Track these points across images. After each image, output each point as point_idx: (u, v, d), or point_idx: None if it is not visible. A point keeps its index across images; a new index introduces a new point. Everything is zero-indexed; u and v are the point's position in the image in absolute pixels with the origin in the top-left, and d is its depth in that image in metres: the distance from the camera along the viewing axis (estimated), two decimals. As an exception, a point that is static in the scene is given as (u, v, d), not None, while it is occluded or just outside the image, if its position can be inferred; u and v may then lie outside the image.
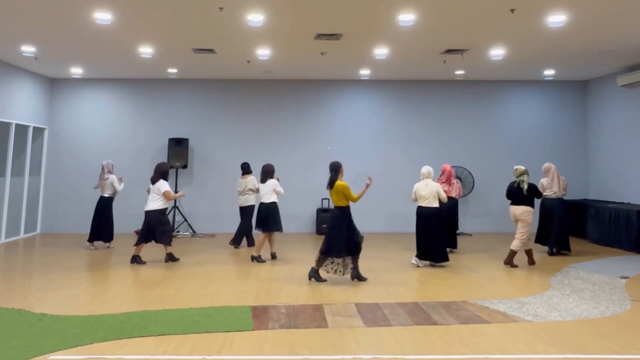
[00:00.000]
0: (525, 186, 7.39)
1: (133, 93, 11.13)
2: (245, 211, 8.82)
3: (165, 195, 7.38)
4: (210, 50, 8.37)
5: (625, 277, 6.60)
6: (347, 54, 8.65)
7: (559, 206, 8.16)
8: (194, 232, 10.57)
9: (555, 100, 11.32)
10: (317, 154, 11.09)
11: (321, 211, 10.67)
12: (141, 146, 11.02)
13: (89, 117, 11.07)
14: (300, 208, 10.88)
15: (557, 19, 6.53)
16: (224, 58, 8.97)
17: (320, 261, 6.30)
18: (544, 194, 8.14)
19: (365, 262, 7.40)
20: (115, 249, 8.62)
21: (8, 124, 9.60)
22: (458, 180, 8.50)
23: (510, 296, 5.66)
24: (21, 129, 10.08)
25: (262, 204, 7.71)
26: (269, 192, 7.71)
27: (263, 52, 8.46)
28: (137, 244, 7.41)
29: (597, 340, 4.21)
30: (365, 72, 10.35)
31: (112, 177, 8.48)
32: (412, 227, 10.61)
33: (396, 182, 10.91)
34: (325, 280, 6.33)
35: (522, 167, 7.55)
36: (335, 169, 6.38)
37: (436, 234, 7.15)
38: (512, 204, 7.51)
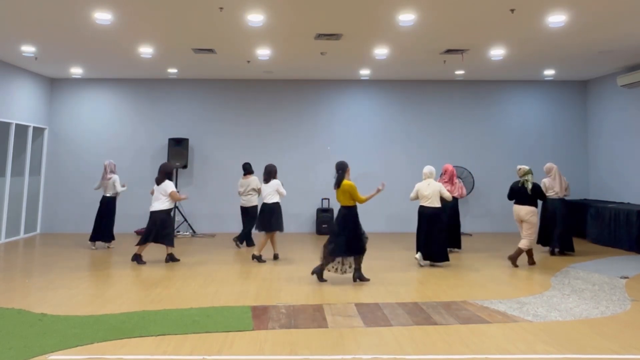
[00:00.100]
0: (530, 185, 7.38)
1: (133, 93, 11.14)
2: (249, 212, 8.81)
3: (171, 195, 7.39)
4: (210, 50, 8.37)
5: (625, 277, 6.60)
6: (347, 54, 8.65)
7: (562, 207, 8.15)
8: (194, 232, 10.57)
9: (555, 100, 11.32)
10: (317, 154, 11.09)
11: (321, 211, 10.67)
12: (141, 146, 11.02)
13: (89, 117, 11.07)
14: (300, 208, 10.88)
15: (557, 19, 6.53)
16: (224, 58, 8.97)
17: (327, 261, 6.27)
18: (546, 194, 8.12)
19: (365, 262, 7.37)
20: (116, 249, 8.62)
21: (8, 124, 9.60)
22: (460, 180, 8.49)
23: (510, 296, 5.66)
24: (21, 129, 10.08)
25: (265, 204, 7.70)
26: (272, 192, 7.71)
27: (263, 52, 8.46)
28: (141, 243, 7.39)
29: (597, 340, 4.21)
30: (365, 72, 10.35)
31: (115, 177, 8.49)
32: (412, 227, 10.61)
33: (396, 182, 10.90)
34: (326, 281, 6.33)
35: (526, 167, 7.54)
36: (342, 169, 6.35)
37: (438, 234, 7.16)
38: (516, 203, 7.49)
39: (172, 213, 7.62)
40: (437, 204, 7.17)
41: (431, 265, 7.33)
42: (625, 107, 9.99)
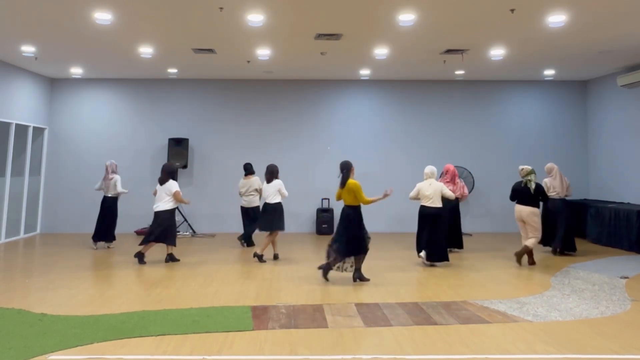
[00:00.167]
0: (533, 185, 7.37)
1: (133, 93, 11.14)
2: (251, 212, 8.82)
3: (175, 195, 7.38)
4: (210, 50, 8.37)
5: (625, 277, 6.60)
6: (347, 54, 8.65)
7: (563, 207, 8.15)
8: (194, 232, 10.57)
9: (555, 100, 11.32)
10: (317, 154, 11.09)
11: (321, 211, 10.67)
12: (141, 146, 11.02)
13: (89, 117, 11.07)
14: (300, 208, 10.88)
15: (557, 19, 6.53)
16: (224, 58, 8.97)
17: (336, 260, 6.25)
18: (548, 194, 8.10)
19: (365, 262, 7.37)
20: (116, 249, 8.62)
21: (8, 124, 9.60)
22: (462, 180, 8.49)
23: (510, 296, 5.66)
24: (21, 129, 10.08)
25: (267, 205, 7.70)
26: (274, 192, 7.71)
27: (263, 52, 8.46)
28: (145, 242, 7.38)
29: (597, 340, 4.21)
30: (365, 72, 10.35)
31: (117, 177, 8.50)
32: (412, 227, 10.63)
33: (396, 182, 10.90)
34: (328, 280, 6.32)
35: (529, 167, 7.52)
36: (347, 168, 6.33)
37: (439, 234, 7.16)
38: (519, 203, 7.46)
39: (175, 213, 7.62)
40: (439, 204, 7.17)
41: (431, 265, 7.33)
42: (625, 107, 9.99)
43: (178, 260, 7.60)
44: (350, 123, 11.20)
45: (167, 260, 7.49)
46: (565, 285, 6.19)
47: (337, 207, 10.77)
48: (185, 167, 10.58)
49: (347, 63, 9.42)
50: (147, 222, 10.70)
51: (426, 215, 7.21)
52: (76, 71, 10.23)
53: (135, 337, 4.22)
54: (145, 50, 8.35)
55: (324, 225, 10.60)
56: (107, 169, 8.53)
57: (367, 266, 7.12)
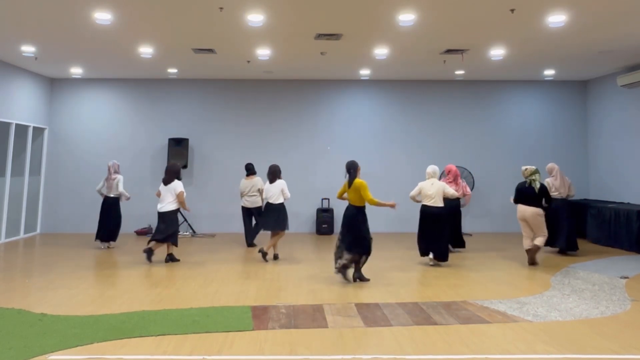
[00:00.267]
0: (538, 185, 7.35)
1: (133, 93, 11.13)
2: (254, 212, 8.84)
3: (179, 195, 7.37)
4: (210, 50, 8.37)
5: (625, 277, 6.60)
6: (347, 54, 8.65)
7: (565, 206, 8.16)
8: (194, 232, 10.57)
9: (555, 100, 11.32)
10: (317, 154, 11.10)
11: (321, 211, 10.67)
12: (141, 146, 11.02)
13: (89, 117, 11.07)
14: (300, 208, 10.88)
15: (557, 19, 6.53)
16: (224, 58, 8.97)
17: (350, 261, 6.23)
18: (550, 194, 8.10)
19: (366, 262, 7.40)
20: (116, 250, 8.62)
21: (8, 124, 9.60)
22: (464, 180, 8.49)
23: (510, 296, 5.66)
24: (21, 129, 10.08)
25: (270, 205, 7.70)
26: (278, 193, 7.71)
27: (263, 52, 8.46)
28: (157, 241, 7.36)
29: (597, 340, 4.21)
30: (365, 72, 10.35)
31: (119, 177, 8.51)
32: (412, 227, 10.65)
33: (396, 182, 10.91)
34: (352, 281, 6.30)
35: (533, 167, 7.50)
36: (354, 168, 6.32)
37: (441, 233, 7.17)
38: (522, 203, 7.44)
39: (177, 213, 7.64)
40: (441, 204, 7.18)
41: (436, 265, 7.32)
42: (625, 107, 9.99)
43: (178, 260, 7.60)
44: (350, 123, 11.20)
45: (167, 260, 7.49)
46: (565, 285, 6.19)
47: (337, 207, 10.77)
48: (185, 167, 10.58)
49: (347, 63, 9.42)
50: (147, 222, 10.71)
51: (428, 214, 7.22)
52: (76, 71, 10.23)
53: (135, 337, 4.22)
54: (145, 50, 8.35)
55: (324, 225, 10.60)
56: (109, 169, 8.53)
57: (367, 266, 7.12)
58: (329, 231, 10.61)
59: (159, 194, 7.51)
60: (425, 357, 3.83)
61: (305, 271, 6.92)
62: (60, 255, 8.03)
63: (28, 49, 8.33)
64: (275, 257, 7.79)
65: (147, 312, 4.92)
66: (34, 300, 5.35)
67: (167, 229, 7.32)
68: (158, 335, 4.28)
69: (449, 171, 8.21)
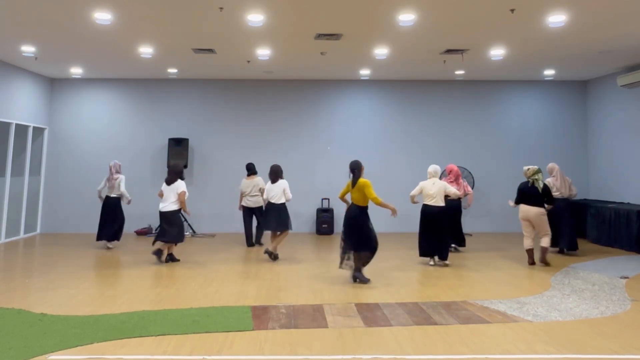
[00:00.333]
0: (541, 184, 7.35)
1: (133, 93, 11.14)
2: (257, 212, 8.86)
3: (180, 195, 7.36)
4: (210, 50, 8.37)
5: (625, 277, 6.60)
6: (347, 54, 8.65)
7: (566, 206, 8.16)
8: (194, 232, 10.57)
9: (555, 100, 11.32)
10: (317, 154, 11.09)
11: (321, 211, 10.67)
12: (141, 146, 11.02)
13: (89, 117, 11.07)
14: (300, 208, 10.88)
15: (557, 19, 6.53)
16: (224, 58, 8.97)
17: (357, 260, 6.23)
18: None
19: (365, 262, 7.41)
20: (116, 249, 8.62)
21: (8, 124, 9.60)
22: (465, 180, 8.49)
23: (510, 296, 5.66)
24: (21, 129, 10.08)
25: (273, 205, 7.70)
26: (280, 193, 7.71)
27: (263, 52, 8.46)
28: (164, 241, 7.37)
29: (597, 340, 4.21)
30: (365, 72, 10.35)
31: (121, 177, 8.52)
32: (412, 227, 10.66)
33: (396, 182, 10.91)
34: (369, 280, 6.30)
35: (535, 167, 7.50)
36: (357, 168, 6.32)
37: (442, 233, 7.17)
38: (525, 203, 7.42)
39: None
40: (442, 203, 7.20)
41: (432, 265, 7.32)
42: (625, 107, 9.99)
43: (178, 260, 7.60)
44: (350, 123, 11.20)
45: (167, 260, 7.49)
46: (565, 285, 6.19)
47: (337, 207, 10.77)
48: (185, 167, 10.58)
49: (347, 63, 9.42)
50: (146, 222, 10.72)
51: (429, 214, 7.22)
52: (76, 71, 10.23)
53: (135, 337, 4.22)
54: (145, 50, 8.35)
55: (324, 225, 10.60)
56: (110, 170, 8.53)
57: (368, 266, 7.12)
58: (329, 231, 10.61)
59: (161, 194, 7.49)
60: (425, 357, 3.83)
61: (305, 271, 6.92)
62: (60, 255, 8.03)
63: (28, 49, 8.33)
64: (276, 257, 7.79)
65: (147, 312, 4.92)
66: (34, 300, 5.35)
67: (172, 230, 7.32)
68: (158, 335, 4.28)
69: (450, 171, 8.21)
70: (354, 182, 6.28)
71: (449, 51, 8.38)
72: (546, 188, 7.38)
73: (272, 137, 11.13)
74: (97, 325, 4.52)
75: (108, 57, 8.91)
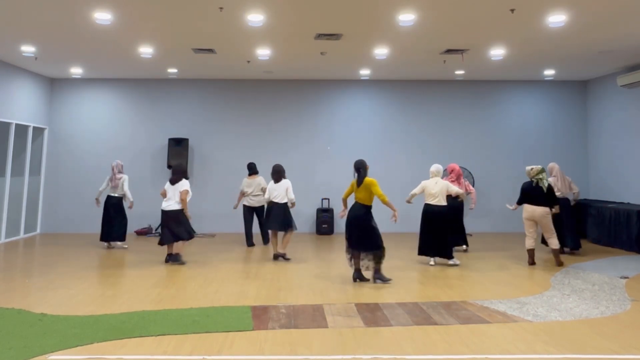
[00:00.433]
0: (546, 184, 7.34)
1: (133, 93, 11.14)
2: (259, 211, 8.87)
3: (182, 193, 7.35)
4: (210, 50, 8.37)
5: (625, 277, 6.60)
6: (347, 54, 8.65)
7: (567, 206, 8.17)
8: (194, 232, 10.54)
9: (555, 100, 11.32)
10: (317, 154, 11.09)
11: (321, 211, 10.67)
12: (141, 146, 11.02)
13: (89, 117, 11.07)
14: (300, 208, 10.87)
15: (557, 19, 6.53)
16: (224, 58, 8.97)
17: (373, 260, 6.25)
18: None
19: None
20: (116, 250, 8.62)
21: (8, 124, 9.60)
22: (466, 179, 8.49)
23: (510, 296, 5.66)
24: (21, 129, 10.08)
25: (276, 204, 7.70)
26: (283, 192, 7.72)
27: (263, 52, 8.46)
28: (163, 243, 7.37)
29: (597, 340, 4.21)
30: (365, 72, 10.35)
31: (125, 177, 8.54)
32: (412, 227, 10.66)
33: (396, 182, 10.91)
34: (368, 280, 6.31)
35: (539, 166, 7.49)
36: (363, 167, 6.33)
37: (445, 232, 7.18)
38: (530, 203, 7.40)
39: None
40: (444, 203, 7.20)
41: (433, 264, 7.32)
42: (625, 107, 9.99)
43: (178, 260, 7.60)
44: (350, 123, 11.20)
45: (167, 260, 7.49)
46: (565, 285, 6.19)
47: (337, 207, 10.77)
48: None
49: (347, 63, 9.42)
50: (146, 222, 10.72)
51: (431, 213, 7.22)
52: (76, 71, 10.23)
53: (135, 337, 4.22)
54: (145, 50, 8.35)
55: (324, 225, 10.59)
56: (113, 169, 8.54)
57: (367, 266, 7.11)
58: (329, 231, 10.61)
59: (164, 194, 7.48)
60: (425, 357, 3.83)
61: (305, 271, 6.92)
62: (60, 255, 8.03)
63: (28, 49, 8.33)
64: (275, 257, 7.79)
65: (147, 312, 4.92)
66: (34, 300, 5.35)
67: (181, 228, 7.32)
68: (158, 335, 4.28)
69: (452, 170, 8.21)
70: (360, 181, 6.27)
71: (449, 51, 8.38)
72: (551, 188, 7.38)
73: (272, 137, 11.13)
74: (97, 325, 4.52)
75: (108, 57, 8.91)
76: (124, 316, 4.79)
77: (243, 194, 8.97)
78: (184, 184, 7.41)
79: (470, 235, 10.50)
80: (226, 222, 10.78)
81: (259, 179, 8.87)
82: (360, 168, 6.33)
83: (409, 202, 7.45)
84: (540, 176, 7.37)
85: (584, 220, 9.82)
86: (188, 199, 7.40)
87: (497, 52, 8.44)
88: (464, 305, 5.25)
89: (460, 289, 5.96)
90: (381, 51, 8.37)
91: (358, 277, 6.32)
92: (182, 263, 7.38)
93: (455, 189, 7.27)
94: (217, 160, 11.05)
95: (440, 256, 7.27)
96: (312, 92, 11.23)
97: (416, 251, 8.04)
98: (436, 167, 7.40)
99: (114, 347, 4.00)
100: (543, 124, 11.27)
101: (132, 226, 10.58)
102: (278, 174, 7.82)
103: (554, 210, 7.45)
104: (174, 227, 7.32)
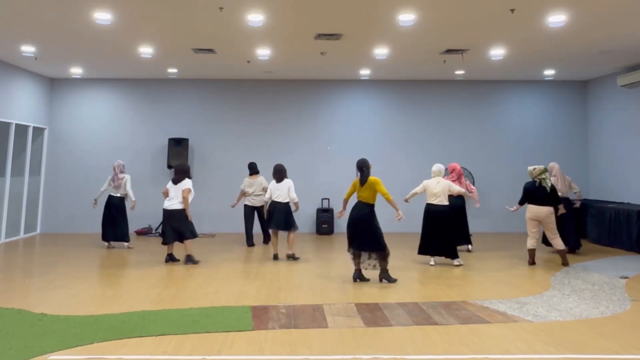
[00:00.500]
0: (549, 183, 7.34)
1: (133, 93, 11.13)
2: (259, 211, 8.89)
3: (184, 191, 7.34)
4: (210, 50, 8.36)
5: (625, 277, 6.60)
6: (347, 54, 8.65)
7: (569, 206, 8.17)
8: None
9: (555, 100, 11.32)
10: (317, 154, 11.09)
11: (321, 211, 10.67)
12: (141, 146, 11.02)
13: (89, 117, 11.07)
14: (300, 208, 10.85)
15: (557, 19, 6.53)
16: (224, 58, 8.97)
17: (379, 260, 6.26)
18: None
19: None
20: (116, 249, 8.62)
21: (8, 124, 9.60)
22: (467, 179, 8.50)
23: (510, 296, 5.66)
24: (21, 129, 10.08)
25: (278, 204, 7.70)
26: (286, 192, 7.72)
27: (263, 52, 8.46)
28: (167, 242, 7.38)
29: (597, 340, 4.21)
30: (365, 72, 10.35)
31: (127, 177, 8.55)
32: (412, 227, 10.64)
33: (396, 182, 10.89)
34: (368, 280, 6.31)
35: (541, 166, 7.48)
36: (366, 166, 6.31)
37: (447, 231, 7.18)
38: (533, 203, 7.39)
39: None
40: (446, 202, 7.21)
41: (434, 264, 7.32)
42: (625, 107, 9.99)
43: (178, 260, 7.60)
44: (350, 123, 11.20)
45: (167, 260, 7.49)
46: (565, 285, 6.19)
47: (337, 207, 10.76)
48: (185, 167, 10.59)
49: (347, 63, 9.42)
50: (146, 222, 10.71)
51: (433, 213, 7.22)
52: (76, 71, 10.23)
53: (135, 337, 4.22)
54: (145, 50, 8.35)
55: (324, 225, 10.60)
56: (115, 170, 8.54)
57: (367, 266, 7.11)
58: (329, 231, 10.61)
59: (165, 193, 7.46)
60: (425, 357, 3.83)
61: (305, 271, 6.92)
62: (60, 255, 8.03)
63: (28, 49, 8.33)
64: (275, 257, 7.79)
65: (147, 312, 4.92)
66: (34, 300, 5.35)
67: (184, 227, 7.32)
68: (158, 335, 4.28)
69: (453, 169, 8.23)
70: (363, 180, 6.27)
71: (449, 51, 8.38)
72: (554, 187, 7.39)
73: (272, 137, 11.13)
74: (97, 325, 4.52)
75: (108, 57, 8.91)
76: (124, 316, 4.79)
77: (244, 194, 8.97)
78: (186, 183, 7.41)
79: (471, 235, 10.48)
80: (226, 222, 10.78)
81: (260, 179, 8.89)
82: (364, 167, 6.32)
83: (406, 201, 7.46)
84: (543, 176, 7.37)
85: (584, 220, 9.82)
86: (190, 198, 7.40)
87: (497, 52, 8.44)
88: (464, 305, 5.25)
89: (460, 289, 5.96)
90: (381, 51, 8.37)
91: (358, 277, 6.32)
92: (196, 262, 7.39)
93: (457, 188, 7.29)
94: (217, 160, 11.05)
95: (444, 256, 7.27)
96: (312, 92, 11.23)
97: (416, 251, 8.03)
98: (438, 167, 7.42)
99: (114, 347, 4.00)
100: (543, 124, 11.27)
101: (132, 226, 10.54)
102: (280, 174, 7.82)
103: (560, 210, 7.45)
104: (177, 227, 7.32)
